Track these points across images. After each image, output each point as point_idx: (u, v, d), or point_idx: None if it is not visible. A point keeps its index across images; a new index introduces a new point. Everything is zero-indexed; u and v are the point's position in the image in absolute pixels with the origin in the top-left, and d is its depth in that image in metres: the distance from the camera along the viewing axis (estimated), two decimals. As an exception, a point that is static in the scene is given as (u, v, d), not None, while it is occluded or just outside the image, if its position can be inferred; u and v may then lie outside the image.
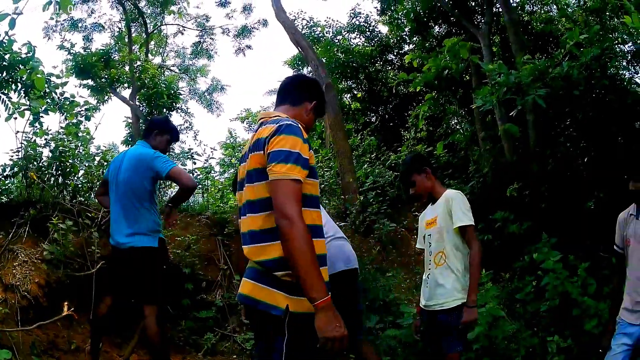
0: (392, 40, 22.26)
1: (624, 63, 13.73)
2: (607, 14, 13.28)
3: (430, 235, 5.94)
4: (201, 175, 13.90)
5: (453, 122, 18.40)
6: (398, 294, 9.89)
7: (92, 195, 10.37)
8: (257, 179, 3.67)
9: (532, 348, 7.31)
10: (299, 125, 3.68)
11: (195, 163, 14.22)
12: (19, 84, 8.85)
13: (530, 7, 19.61)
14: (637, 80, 13.51)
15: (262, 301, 3.58)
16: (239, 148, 21.27)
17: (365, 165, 15.71)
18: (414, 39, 20.87)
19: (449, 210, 5.69)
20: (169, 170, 6.62)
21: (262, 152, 3.62)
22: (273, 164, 3.47)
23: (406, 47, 22.03)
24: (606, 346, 5.90)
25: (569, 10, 17.70)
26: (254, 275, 3.70)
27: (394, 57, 22.37)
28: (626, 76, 13.45)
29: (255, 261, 3.65)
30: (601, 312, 7.32)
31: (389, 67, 22.32)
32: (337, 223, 11.16)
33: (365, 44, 22.66)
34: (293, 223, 3.34)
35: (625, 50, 13.71)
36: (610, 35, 11.46)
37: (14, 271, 7.48)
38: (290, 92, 4.17)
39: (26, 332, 6.85)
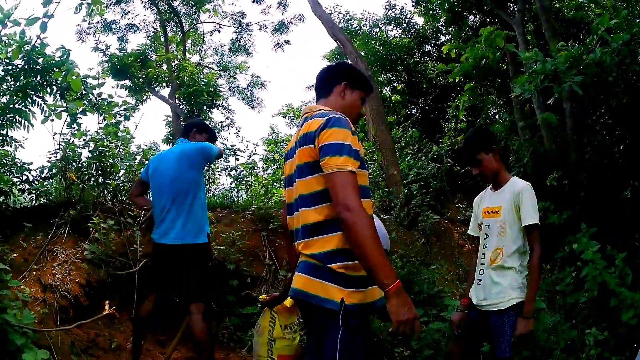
0: (428, 32, 22.16)
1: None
2: (635, -2, 13.16)
3: (488, 226, 5.57)
4: (245, 172, 13.93)
5: (492, 112, 18.29)
6: (442, 286, 9.81)
7: (131, 195, 10.48)
8: (308, 172, 3.70)
9: (571, 341, 7.23)
10: (346, 118, 3.69)
11: (238, 159, 14.25)
12: (54, 87, 8.90)
13: (560, -7, 19.44)
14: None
15: (316, 295, 3.59)
16: (282, 143, 21.28)
17: (408, 158, 15.62)
18: (450, 29, 20.74)
19: (517, 203, 5.29)
20: (217, 151, 7.02)
21: (313, 145, 3.64)
22: (328, 157, 3.49)
23: (442, 38, 21.94)
24: None
25: (597, -5, 17.55)
26: (307, 269, 3.69)
27: (431, 48, 22.29)
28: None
29: (308, 254, 3.67)
30: (637, 302, 7.22)
31: (427, 59, 22.22)
32: (382, 215, 11.14)
33: (402, 35, 22.57)
34: (356, 213, 3.35)
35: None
36: (638, 21, 11.30)
37: (53, 271, 7.53)
38: (321, 85, 4.18)
39: (65, 332, 6.86)
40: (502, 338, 5.26)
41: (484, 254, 5.56)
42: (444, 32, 21.78)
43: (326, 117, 3.62)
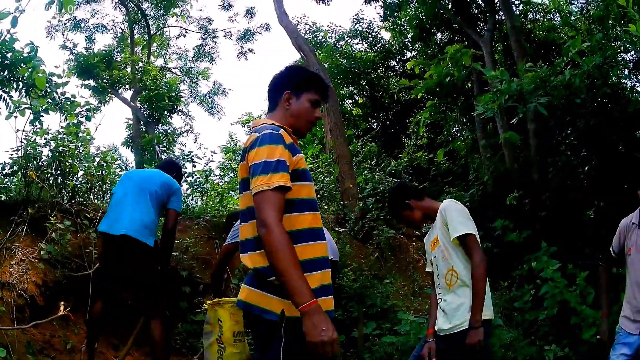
0: (394, 47, 22.30)
1: (626, 72, 13.71)
2: (610, 22, 13.29)
3: (436, 257, 5.53)
4: (201, 178, 13.91)
5: (454, 130, 18.41)
6: (396, 300, 9.88)
7: (92, 196, 10.40)
8: (243, 188, 3.75)
9: (530, 357, 7.27)
10: (280, 132, 3.65)
11: (195, 166, 14.27)
12: (20, 83, 8.85)
13: (533, 15, 19.61)
14: (638, 89, 13.48)
15: (257, 306, 3.60)
16: (239, 152, 21.27)
17: (366, 172, 15.69)
18: (417, 45, 20.88)
19: (445, 222, 5.30)
20: (178, 208, 7.30)
21: (245, 162, 3.68)
22: (255, 177, 3.49)
23: (408, 54, 22.10)
24: (605, 332, 5.88)
25: (572, 18, 17.72)
26: (251, 281, 3.72)
27: (396, 64, 22.42)
28: (628, 85, 13.46)
29: (252, 267, 3.64)
30: (600, 321, 7.30)
31: (391, 74, 22.36)
32: (337, 229, 11.15)
33: (368, 50, 22.71)
34: (270, 230, 3.35)
35: (628, 59, 13.74)
36: (613, 44, 11.44)
37: (10, 270, 7.47)
38: (269, 98, 4.13)
39: (22, 331, 6.82)
40: (471, 357, 5.15)
41: (439, 283, 5.53)
42: (411, 48, 21.95)
43: (258, 134, 3.63)
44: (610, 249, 5.94)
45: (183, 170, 14.11)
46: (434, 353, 5.48)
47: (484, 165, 13.01)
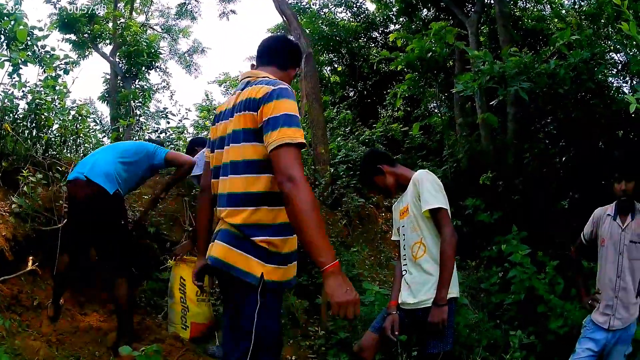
0: (378, 19, 22.28)
1: (614, 71, 13.72)
2: (602, 21, 13.29)
3: (404, 226, 5.56)
4: (174, 135, 13.86)
5: (431, 106, 18.42)
6: (361, 270, 9.88)
7: (65, 150, 10.32)
8: (245, 139, 3.67)
9: (494, 340, 7.31)
10: (291, 89, 3.71)
11: (169, 122, 14.18)
12: (2, 36, 8.77)
13: (523, 3, 19.61)
14: (624, 90, 13.48)
15: (237, 267, 3.59)
16: (214, 111, 21.17)
17: (339, 139, 15.67)
18: (401, 19, 20.88)
19: (417, 193, 5.28)
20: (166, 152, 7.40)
21: (255, 112, 3.61)
22: (277, 129, 3.46)
23: (392, 27, 22.07)
24: (586, 306, 5.95)
25: (563, 11, 17.71)
26: (229, 239, 3.68)
27: (378, 35, 22.41)
28: (614, 85, 13.47)
29: (232, 224, 3.65)
30: (568, 312, 7.33)
31: (372, 45, 22.35)
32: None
33: (351, 19, 22.66)
34: (300, 187, 3.33)
35: (617, 59, 13.74)
36: (602, 43, 11.44)
37: (-20, 223, 7.43)
38: (278, 54, 4.18)
39: (-11, 287, 6.76)
40: (431, 334, 5.18)
41: (405, 254, 5.54)
42: (395, 21, 21.93)
43: (273, 87, 3.61)
44: (582, 236, 5.97)
45: (157, 126, 14.15)
46: (397, 326, 5.47)
47: (459, 143, 13.05)
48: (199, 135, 17.75)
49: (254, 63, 4.25)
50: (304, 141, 3.48)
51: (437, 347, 5.18)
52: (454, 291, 5.21)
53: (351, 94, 22.44)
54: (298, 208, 3.32)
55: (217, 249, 3.72)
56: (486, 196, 11.02)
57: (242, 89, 3.81)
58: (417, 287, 5.34)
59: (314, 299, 8.43)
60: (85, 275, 8.38)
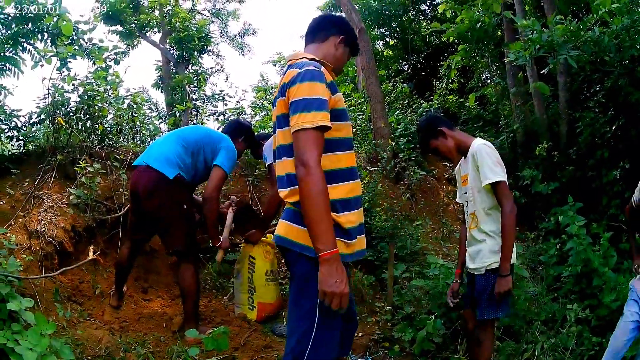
0: (425, -10, 22.07)
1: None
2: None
3: (465, 193, 5.70)
4: (233, 117, 13.92)
5: (484, 76, 18.24)
6: (425, 243, 9.84)
7: (122, 139, 10.42)
8: (284, 124, 3.72)
9: (552, 314, 7.25)
10: (321, 70, 3.68)
11: (226, 105, 14.22)
12: (45, 34, 8.86)
13: (566, -31, 19.32)
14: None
15: (297, 242, 3.63)
16: (271, 91, 21.23)
17: (397, 112, 15.56)
18: (446, -11, 20.67)
19: (476, 165, 5.35)
20: (224, 167, 7.12)
21: (285, 98, 3.67)
22: (296, 114, 3.48)
23: (438, -1, 21.86)
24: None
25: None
26: (290, 217, 3.74)
27: (426, 7, 22.19)
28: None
29: (292, 203, 3.69)
30: (620, 286, 7.22)
31: (422, 17, 22.15)
32: (369, 167, 11.09)
33: (399, -8, 22.43)
34: (309, 172, 3.36)
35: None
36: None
37: (39, 217, 7.47)
38: (317, 30, 4.19)
39: (50, 279, 6.85)
40: (481, 301, 5.37)
41: (467, 220, 5.71)
42: (441, -8, 21.70)
43: (299, 70, 3.62)
44: (632, 200, 5.88)
45: (214, 108, 14.16)
46: (455, 294, 5.98)
47: (514, 114, 12.90)
48: (256, 116, 17.81)
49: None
50: (325, 123, 3.48)
51: (491, 314, 5.33)
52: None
53: (405, 67, 22.30)
54: (305, 192, 3.37)
55: (280, 227, 3.80)
56: (543, 166, 10.90)
57: (284, 73, 3.81)
58: (473, 254, 5.54)
59: (380, 274, 8.38)
60: (148, 261, 8.48)
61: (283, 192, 3.78)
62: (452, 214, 11.79)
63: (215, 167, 7.09)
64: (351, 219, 3.68)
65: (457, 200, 6.27)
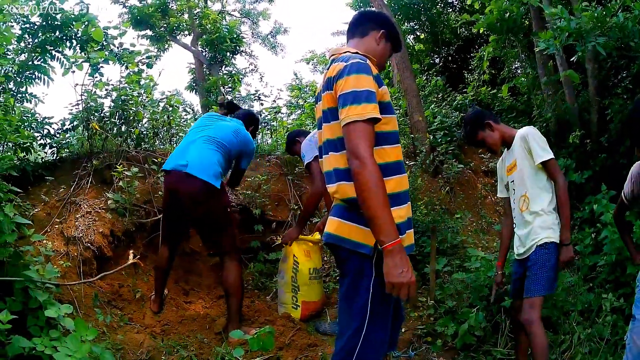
0: (451, -18, 21.95)
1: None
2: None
3: (513, 181, 5.84)
4: (269, 116, 13.95)
5: (515, 67, 18.12)
6: (465, 236, 9.81)
7: (158, 142, 10.47)
8: (332, 118, 3.71)
9: (588, 304, 7.19)
10: (367, 62, 3.66)
11: (262, 104, 14.29)
12: (74, 41, 8.91)
13: (588, -45, 19.12)
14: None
15: (349, 239, 3.62)
16: (305, 89, 21.24)
17: (432, 106, 15.51)
18: (472, -20, 20.55)
19: (528, 148, 5.56)
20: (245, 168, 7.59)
21: (332, 91, 3.65)
22: (346, 107, 3.47)
23: (466, -10, 21.75)
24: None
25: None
26: (341, 213, 3.72)
27: (454, 0, 22.07)
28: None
29: (342, 199, 3.69)
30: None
31: (450, 10, 22.04)
32: (408, 162, 11.09)
33: (426, -16, 22.34)
34: (364, 164, 3.33)
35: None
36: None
37: (76, 223, 7.54)
38: (357, 26, 4.18)
39: (89, 285, 6.90)
40: (529, 277, 5.46)
41: (514, 208, 5.81)
42: (468, -17, 21.58)
43: (345, 63, 3.62)
44: (622, 196, 5.75)
45: (251, 109, 14.32)
46: (496, 285, 6.26)
47: (546, 103, 12.80)
48: (292, 115, 17.82)
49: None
50: (376, 115, 3.45)
51: (536, 291, 5.37)
52: (554, 236, 5.45)
53: (436, 60, 22.23)
54: (362, 185, 3.32)
55: (330, 224, 3.79)
56: (576, 155, 10.82)
57: (328, 68, 3.82)
58: (525, 237, 5.64)
59: (422, 269, 8.36)
60: (189, 263, 8.51)
61: (331, 188, 3.78)
62: (489, 207, 11.75)
63: (241, 170, 7.65)
64: (400, 213, 3.67)
65: (498, 195, 6.35)
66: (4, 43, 7.96)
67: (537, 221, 5.50)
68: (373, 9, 14.41)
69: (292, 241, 7.73)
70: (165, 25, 24.07)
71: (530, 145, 5.51)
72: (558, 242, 5.45)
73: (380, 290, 3.45)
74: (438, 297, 7.64)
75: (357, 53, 3.77)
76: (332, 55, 3.93)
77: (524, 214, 5.63)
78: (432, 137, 12.63)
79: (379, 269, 3.43)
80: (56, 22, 8.60)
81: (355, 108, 3.42)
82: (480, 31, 15.44)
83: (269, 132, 13.93)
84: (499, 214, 11.29)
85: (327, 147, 3.81)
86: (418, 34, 22.82)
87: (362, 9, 5.06)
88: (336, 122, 3.62)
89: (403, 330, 7.33)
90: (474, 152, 13.10)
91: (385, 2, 17.16)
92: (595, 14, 8.13)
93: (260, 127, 8.35)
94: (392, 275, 3.26)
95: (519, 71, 17.74)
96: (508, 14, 12.71)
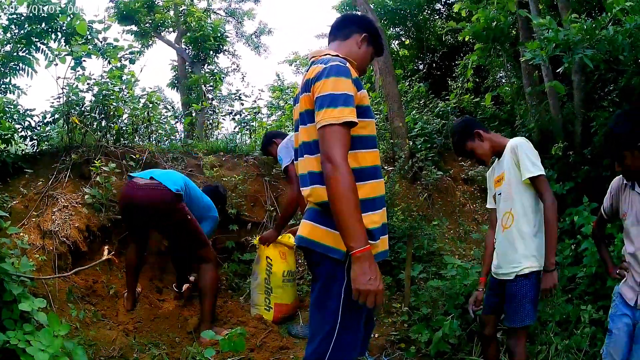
0: (439, -11, 21.99)
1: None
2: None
3: (500, 194, 5.55)
4: (249, 116, 13.92)
5: (499, 76, 18.17)
6: (442, 244, 9.80)
7: (137, 138, 10.43)
8: (309, 120, 3.66)
9: (566, 315, 7.20)
10: (347, 65, 3.62)
11: (242, 104, 14.26)
12: (59, 34, 8.86)
13: (579, -33, 19.21)
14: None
15: (321, 243, 3.58)
16: (287, 91, 21.21)
17: (414, 112, 15.51)
18: (461, -13, 20.61)
19: (517, 161, 5.23)
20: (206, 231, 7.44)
21: (309, 93, 3.61)
22: (323, 110, 3.42)
23: (453, -3, 21.80)
24: (615, 276, 5.49)
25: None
26: (314, 217, 3.68)
27: (441, 7, 22.11)
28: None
29: (316, 202, 3.63)
30: (635, 287, 7.18)
31: (437, 16, 22.08)
32: (386, 167, 11.07)
33: (413, -9, 22.38)
34: (337, 168, 3.29)
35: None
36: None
37: (53, 217, 7.51)
38: (339, 28, 4.13)
39: (63, 279, 6.87)
40: (510, 308, 5.27)
41: (500, 222, 5.56)
42: (455, -10, 21.63)
43: (325, 65, 3.57)
44: (601, 210, 5.65)
45: (230, 108, 14.29)
46: (478, 303, 5.81)
47: (530, 113, 12.85)
48: (272, 116, 17.81)
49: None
50: (352, 119, 3.42)
51: (520, 321, 5.20)
52: (537, 265, 5.20)
53: (420, 66, 22.23)
54: (334, 190, 3.30)
55: (303, 228, 3.74)
56: (558, 166, 10.85)
57: (308, 70, 3.77)
58: (503, 257, 5.43)
59: (398, 275, 8.35)
60: (163, 261, 8.48)
61: (305, 191, 3.74)
62: (468, 214, 11.73)
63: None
64: (374, 219, 3.63)
65: (487, 206, 6.12)
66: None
67: (520, 246, 5.23)
68: (358, 12, 14.39)
69: (269, 243, 7.71)
70: (150, 21, 24.02)
71: (519, 157, 5.20)
72: (541, 269, 5.18)
73: (351, 295, 3.38)
74: (413, 304, 7.64)
75: (337, 56, 3.71)
76: (313, 57, 3.88)
77: (506, 231, 5.39)
78: (411, 143, 12.61)
79: (350, 274, 3.37)
80: (42, 14, 8.55)
81: (332, 111, 3.39)
82: (466, 39, 15.47)
83: (247, 132, 13.89)
84: (477, 222, 11.30)
85: (303, 149, 3.76)
86: (403, 39, 22.85)
87: (346, 13, 5.07)
88: (312, 124, 3.57)
89: (376, 335, 7.33)
90: (454, 160, 13.10)
91: (372, 7, 17.19)
92: (585, 26, 8.14)
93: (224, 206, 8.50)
94: (359, 282, 3.25)
95: (503, 80, 17.81)
96: (495, 22, 12.72)
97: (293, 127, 4.09)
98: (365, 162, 3.67)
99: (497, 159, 5.69)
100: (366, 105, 3.72)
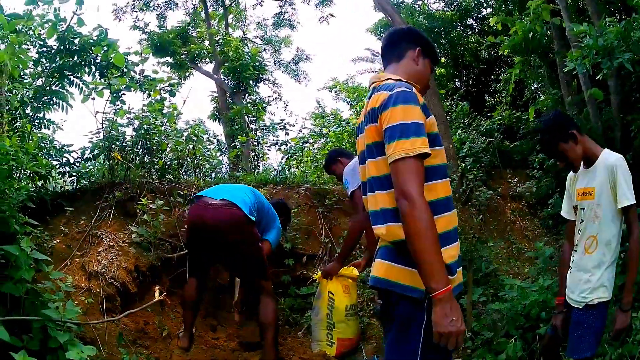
0: (470, 4, 21.79)
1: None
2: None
3: (584, 209, 5.10)
4: (296, 146, 13.78)
5: (534, 87, 17.88)
6: (497, 265, 9.59)
7: (182, 173, 10.31)
8: (377, 153, 3.51)
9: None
10: (414, 91, 3.45)
11: (287, 134, 14.15)
12: (93, 67, 8.73)
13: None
14: None
15: (400, 283, 3.43)
16: (329, 118, 21.03)
17: (459, 132, 15.35)
18: (490, 2, 20.38)
19: (613, 182, 4.80)
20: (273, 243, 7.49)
21: (377, 124, 3.46)
22: (394, 142, 3.28)
23: (484, 11, 21.60)
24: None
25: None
26: (390, 256, 3.53)
27: (473, 22, 21.95)
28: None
29: (391, 241, 3.51)
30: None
31: (470, 32, 21.89)
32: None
33: (445, 9, 22.21)
34: (414, 204, 3.14)
35: None
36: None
37: (98, 257, 7.45)
38: (391, 48, 3.96)
39: (112, 323, 6.75)
40: (573, 337, 5.00)
41: (578, 242, 5.20)
42: (485, 4, 21.39)
43: (390, 92, 3.40)
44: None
45: (275, 138, 14.19)
46: (559, 325, 5.36)
47: (572, 123, 12.65)
48: (316, 144, 17.71)
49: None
50: (425, 150, 3.26)
51: (581, 353, 4.92)
52: (607, 295, 4.96)
53: (458, 84, 22.06)
54: (412, 228, 3.15)
55: (379, 268, 3.60)
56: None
57: (369, 97, 3.64)
58: (577, 282, 5.13)
59: (458, 300, 8.11)
60: (215, 298, 8.31)
61: (379, 230, 3.58)
62: (518, 232, 11.62)
63: (266, 242, 7.38)
64: (452, 253, 3.49)
65: (563, 214, 5.62)
66: (20, 66, 7.80)
67: (596, 275, 4.94)
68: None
69: (332, 277, 7.54)
70: (185, 52, 24.03)
71: (617, 180, 4.76)
72: (609, 299, 4.97)
73: (431, 336, 3.24)
74: (475, 329, 7.47)
75: (400, 80, 3.58)
76: (373, 83, 3.74)
77: (585, 257, 5.04)
78: (463, 164, 12.38)
79: (429, 313, 3.24)
80: (74, 47, 8.48)
81: (404, 143, 3.24)
82: (502, 53, 15.24)
83: (295, 162, 13.74)
84: (528, 239, 11.10)
85: (373, 184, 3.58)
86: (440, 58, 22.71)
87: (391, 28, 4.92)
88: (382, 157, 3.44)
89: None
90: (501, 177, 12.99)
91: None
92: (623, 29, 7.91)
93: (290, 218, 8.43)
94: (440, 325, 3.11)
95: (539, 92, 17.52)
96: (532, 34, 12.50)
97: (359, 158, 3.82)
98: (439, 193, 3.52)
99: (583, 166, 5.21)
100: (435, 133, 3.55)
